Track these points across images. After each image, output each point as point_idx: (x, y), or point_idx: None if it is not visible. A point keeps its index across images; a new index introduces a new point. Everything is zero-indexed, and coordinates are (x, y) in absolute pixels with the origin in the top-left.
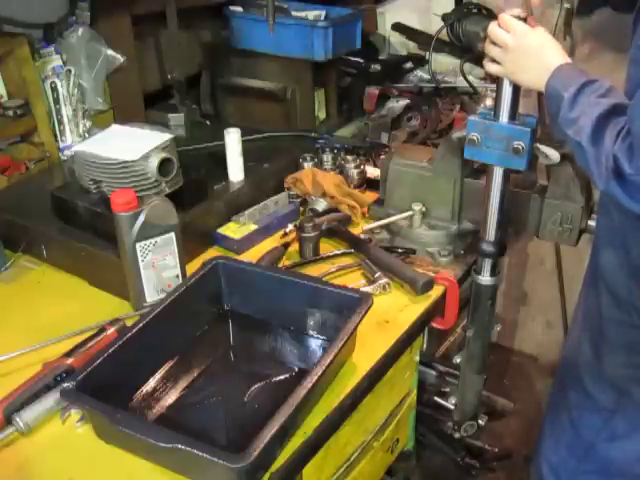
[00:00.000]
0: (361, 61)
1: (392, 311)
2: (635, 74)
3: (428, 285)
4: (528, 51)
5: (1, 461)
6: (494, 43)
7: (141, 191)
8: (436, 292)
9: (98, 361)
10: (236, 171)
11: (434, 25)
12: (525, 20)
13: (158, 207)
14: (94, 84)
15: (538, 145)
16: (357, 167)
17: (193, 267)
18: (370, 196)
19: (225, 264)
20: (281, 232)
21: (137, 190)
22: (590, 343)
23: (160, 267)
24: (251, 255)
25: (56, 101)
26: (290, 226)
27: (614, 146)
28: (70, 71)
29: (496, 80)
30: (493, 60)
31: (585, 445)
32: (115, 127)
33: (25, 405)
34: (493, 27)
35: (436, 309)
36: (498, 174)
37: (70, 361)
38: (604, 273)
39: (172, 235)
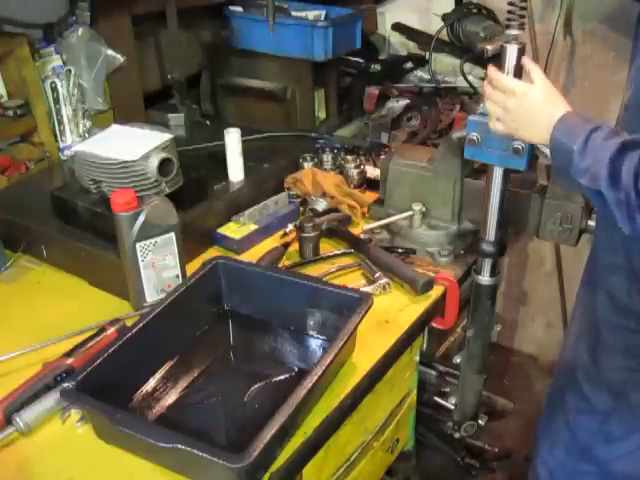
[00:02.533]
0: (361, 61)
1: (392, 311)
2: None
3: (428, 285)
4: (530, 109)
5: (1, 461)
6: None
7: (141, 191)
8: (436, 292)
9: (98, 361)
10: (236, 171)
11: (434, 25)
12: (520, 71)
13: (158, 207)
14: (94, 84)
15: (538, 145)
16: (357, 167)
17: (193, 267)
18: (370, 196)
19: (225, 264)
20: (281, 232)
21: (137, 190)
22: (587, 345)
23: (160, 267)
24: (251, 255)
25: (56, 101)
26: (290, 226)
27: (634, 181)
28: (70, 71)
29: None
30: (493, 116)
31: (581, 447)
32: (115, 127)
33: (25, 405)
34: (490, 90)
35: (436, 309)
36: (498, 174)
37: (70, 361)
38: (603, 275)
39: (172, 235)
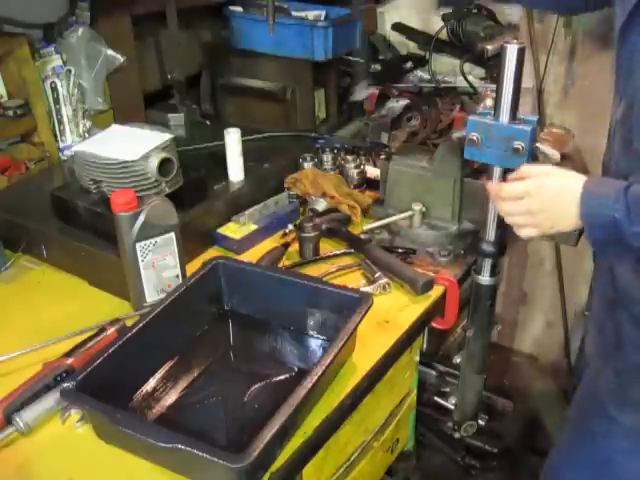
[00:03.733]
0: (361, 61)
1: (392, 311)
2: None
3: (428, 285)
4: (552, 199)
5: (1, 461)
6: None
7: (141, 191)
8: (436, 292)
9: (98, 361)
10: (236, 171)
11: (434, 25)
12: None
13: (158, 207)
14: (94, 84)
15: (538, 145)
16: (357, 167)
17: (193, 267)
18: (370, 196)
19: (225, 264)
20: (281, 232)
21: (137, 190)
22: (610, 366)
23: (160, 267)
24: (251, 255)
25: (56, 101)
26: (290, 226)
27: None
28: (70, 71)
29: (496, 80)
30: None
31: (615, 470)
32: (115, 127)
33: (25, 405)
34: (504, 206)
35: (436, 309)
36: (498, 174)
37: (70, 361)
38: (624, 293)
39: (172, 235)
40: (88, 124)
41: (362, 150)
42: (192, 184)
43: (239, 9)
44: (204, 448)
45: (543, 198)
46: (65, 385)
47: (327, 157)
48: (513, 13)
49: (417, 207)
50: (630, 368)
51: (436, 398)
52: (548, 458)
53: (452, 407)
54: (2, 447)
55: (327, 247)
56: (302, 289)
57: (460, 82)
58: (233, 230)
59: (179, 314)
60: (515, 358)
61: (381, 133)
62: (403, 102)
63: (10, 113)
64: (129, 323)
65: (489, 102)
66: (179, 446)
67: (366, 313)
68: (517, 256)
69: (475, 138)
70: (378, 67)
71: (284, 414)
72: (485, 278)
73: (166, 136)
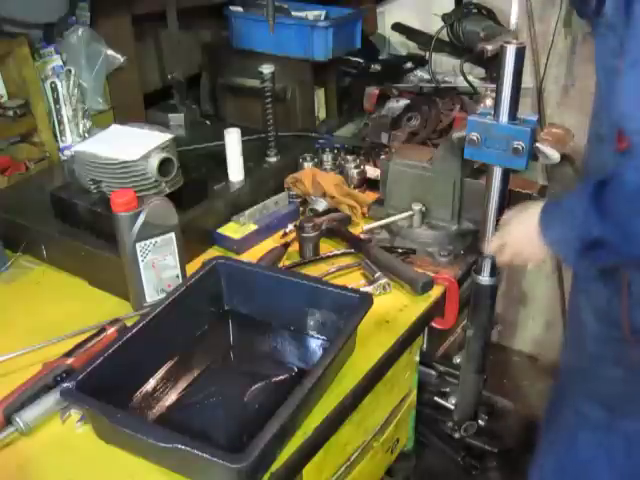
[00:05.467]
0: (361, 61)
1: (392, 311)
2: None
3: (428, 285)
4: (523, 243)
5: (1, 461)
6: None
7: (141, 191)
8: (436, 292)
9: (98, 361)
10: (236, 171)
11: (434, 25)
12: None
13: (158, 207)
14: (94, 84)
15: (538, 145)
16: (357, 167)
17: (193, 267)
18: (370, 196)
19: (225, 264)
20: (281, 232)
21: (137, 190)
22: (578, 357)
23: (160, 267)
24: (251, 255)
25: (56, 101)
26: (290, 226)
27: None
28: (70, 71)
29: (496, 80)
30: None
31: (581, 464)
32: (115, 127)
33: (25, 405)
34: (498, 259)
35: (436, 309)
36: (498, 174)
37: (70, 361)
38: (585, 283)
39: (172, 235)
40: (88, 124)
41: (362, 150)
42: (192, 184)
43: (239, 9)
44: (204, 448)
45: (515, 242)
46: (65, 385)
47: (327, 157)
48: (513, 13)
49: (417, 207)
50: (592, 360)
51: (436, 398)
52: (534, 457)
53: (452, 407)
54: (2, 447)
55: (327, 247)
56: (302, 289)
57: (460, 82)
58: (233, 230)
59: (179, 314)
60: (515, 358)
61: (381, 133)
62: (403, 102)
63: (10, 113)
64: (129, 323)
65: (489, 102)
66: (179, 446)
67: (366, 313)
68: None
69: (475, 138)
70: (378, 67)
71: (284, 414)
72: (485, 278)
73: (166, 136)
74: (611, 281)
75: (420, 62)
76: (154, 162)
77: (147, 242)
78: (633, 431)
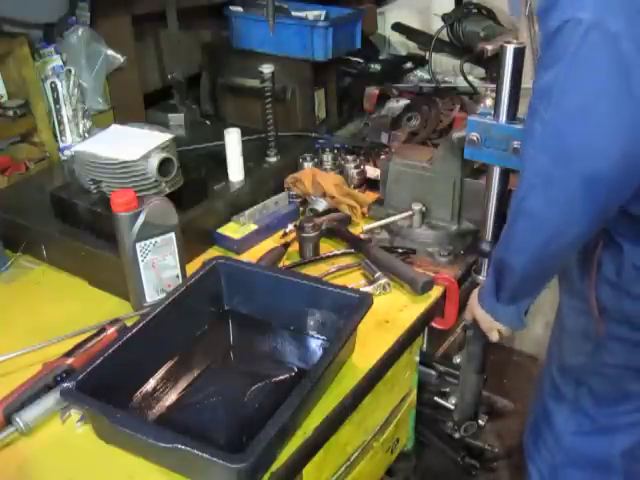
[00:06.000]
0: (361, 61)
1: (392, 311)
2: None
3: (428, 285)
4: (483, 321)
5: (1, 461)
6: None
7: (141, 191)
8: (436, 292)
9: (98, 361)
10: (236, 171)
11: (434, 25)
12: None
13: (158, 207)
14: (94, 84)
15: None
16: (357, 167)
17: (193, 267)
18: (370, 196)
19: (225, 264)
20: (281, 232)
21: (137, 190)
22: (554, 329)
23: (160, 267)
24: (251, 255)
25: (56, 101)
26: (290, 226)
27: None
28: (70, 71)
29: (496, 80)
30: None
31: (555, 437)
32: (115, 127)
33: (25, 405)
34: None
35: (436, 309)
36: (498, 174)
37: (70, 361)
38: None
39: (172, 235)
40: (88, 124)
41: (362, 150)
42: (192, 184)
43: (239, 9)
44: (204, 448)
45: (480, 319)
46: (65, 385)
47: (327, 157)
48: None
49: (417, 207)
50: (566, 334)
51: (436, 398)
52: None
53: (452, 407)
54: (2, 447)
55: (327, 247)
56: (302, 289)
57: (460, 82)
58: (233, 230)
59: (179, 314)
60: (515, 358)
61: (381, 133)
62: (403, 102)
63: (10, 113)
64: (129, 323)
65: (489, 102)
66: (179, 446)
67: (366, 313)
68: None
69: (475, 138)
70: (378, 67)
71: (284, 414)
72: (485, 278)
73: (166, 136)
74: (583, 261)
75: (420, 62)
76: (154, 162)
77: (147, 242)
78: (597, 407)
